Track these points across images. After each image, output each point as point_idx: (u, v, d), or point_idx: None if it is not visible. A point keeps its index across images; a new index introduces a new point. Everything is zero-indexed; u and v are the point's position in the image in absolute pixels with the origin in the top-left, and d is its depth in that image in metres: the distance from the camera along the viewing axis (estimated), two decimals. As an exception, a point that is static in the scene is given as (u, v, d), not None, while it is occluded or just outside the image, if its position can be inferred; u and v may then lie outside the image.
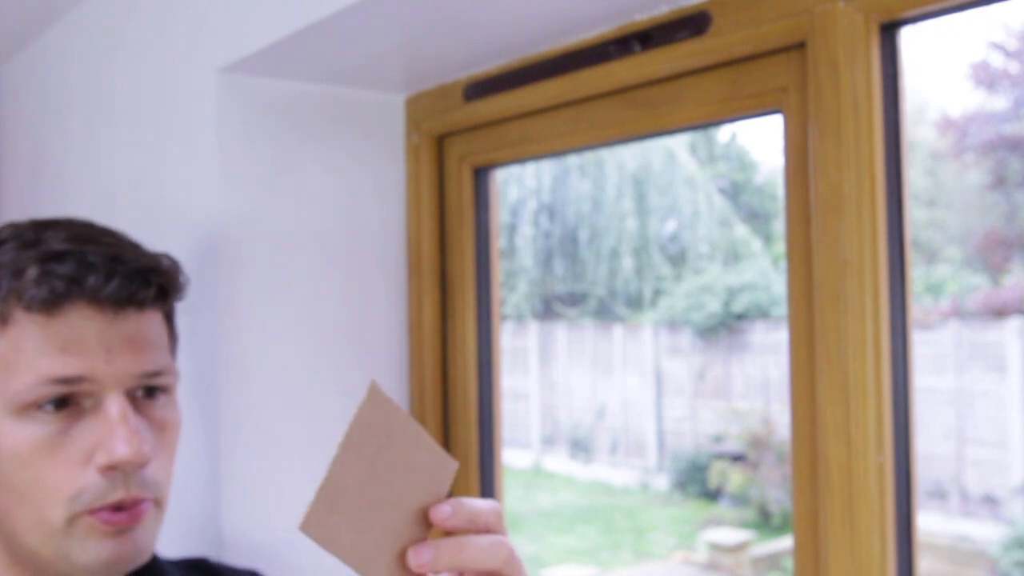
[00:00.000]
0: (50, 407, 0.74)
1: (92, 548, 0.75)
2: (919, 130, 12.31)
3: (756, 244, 12.63)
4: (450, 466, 0.62)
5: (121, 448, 0.74)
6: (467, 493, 1.28)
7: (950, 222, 11.68)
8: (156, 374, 0.80)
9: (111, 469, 0.74)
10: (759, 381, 9.83)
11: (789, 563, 7.02)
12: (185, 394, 1.24)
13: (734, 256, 12.49)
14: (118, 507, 0.75)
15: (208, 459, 1.18)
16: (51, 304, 0.73)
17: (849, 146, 0.82)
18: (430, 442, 0.61)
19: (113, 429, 0.74)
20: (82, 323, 0.74)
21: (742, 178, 13.95)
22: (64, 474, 0.74)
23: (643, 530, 8.59)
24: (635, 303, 12.54)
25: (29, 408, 0.73)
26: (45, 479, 0.74)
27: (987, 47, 10.04)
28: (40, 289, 0.73)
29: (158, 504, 0.80)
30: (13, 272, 0.73)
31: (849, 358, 0.82)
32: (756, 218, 13.43)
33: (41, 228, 0.77)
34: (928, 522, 7.64)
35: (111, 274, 0.75)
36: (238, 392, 1.17)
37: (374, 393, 0.58)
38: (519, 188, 12.14)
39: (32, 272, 0.73)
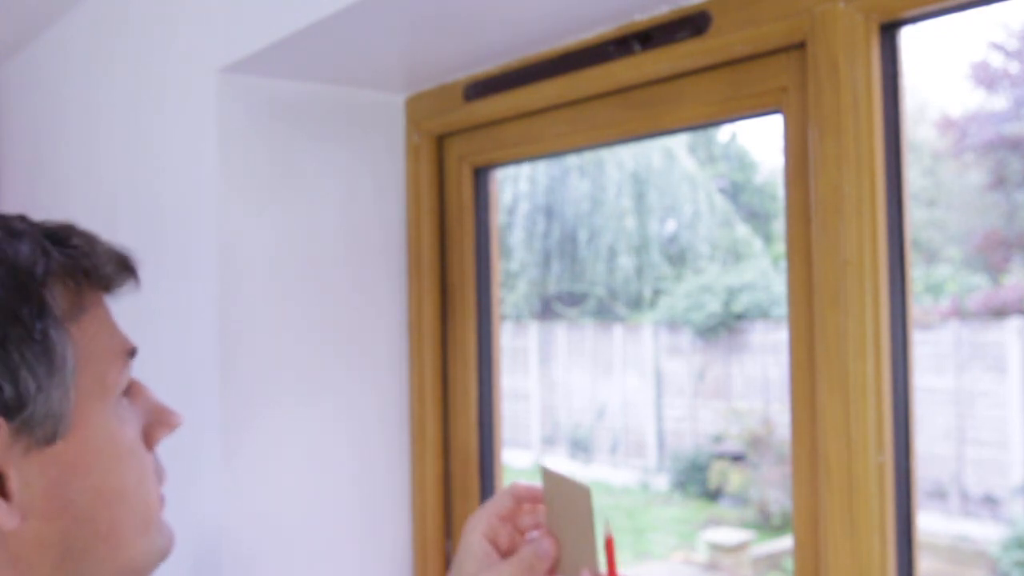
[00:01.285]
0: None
1: (166, 531, 0.71)
2: (919, 130, 12.31)
3: (756, 244, 12.63)
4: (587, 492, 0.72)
5: (177, 417, 0.72)
6: (467, 493, 1.28)
7: (950, 222, 11.67)
8: None
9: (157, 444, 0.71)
10: (759, 381, 9.83)
11: (789, 563, 7.02)
12: (184, 395, 1.24)
13: (734, 256, 12.48)
14: None
15: (212, 457, 1.18)
16: (109, 285, 0.69)
17: (849, 146, 0.82)
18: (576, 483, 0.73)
19: (158, 402, 0.71)
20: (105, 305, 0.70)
21: (742, 178, 13.94)
22: (149, 459, 0.70)
23: (643, 530, 8.59)
24: (635, 303, 12.53)
25: (119, 396, 0.67)
26: (145, 468, 0.68)
27: (987, 47, 10.04)
28: (106, 270, 0.68)
29: None
30: (84, 263, 0.66)
31: (849, 358, 0.82)
32: (756, 218, 13.43)
33: (34, 225, 0.70)
34: (928, 522, 7.63)
35: (119, 261, 0.70)
36: (238, 391, 1.17)
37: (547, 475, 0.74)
38: (518, 188, 12.13)
39: (102, 255, 0.68)
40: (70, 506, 0.63)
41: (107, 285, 0.68)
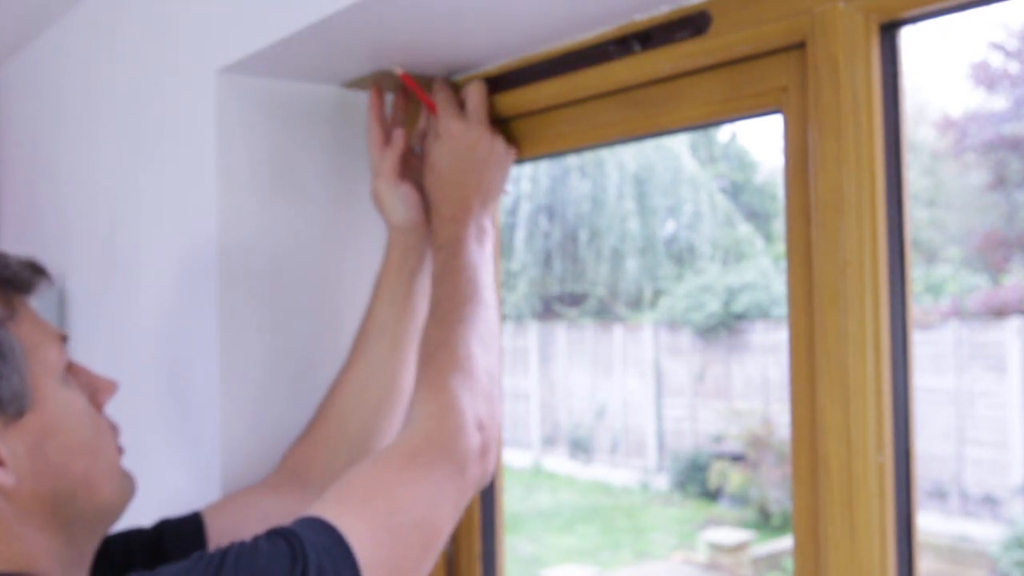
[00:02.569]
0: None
1: (128, 476, 0.90)
2: (919, 130, 12.31)
3: (756, 244, 12.63)
4: None
5: (113, 384, 0.90)
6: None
7: (950, 222, 11.67)
8: None
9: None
10: (759, 381, 9.83)
11: (789, 563, 7.02)
12: (184, 395, 1.24)
13: (734, 256, 12.49)
14: None
15: (198, 458, 1.18)
16: (28, 288, 0.85)
17: (849, 146, 0.82)
18: None
19: (96, 375, 0.89)
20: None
21: (742, 178, 13.95)
22: (102, 418, 0.88)
23: (643, 530, 8.59)
24: (635, 303, 12.54)
25: (65, 374, 0.85)
26: (101, 426, 0.87)
27: (987, 47, 10.04)
28: (22, 275, 0.84)
29: None
30: (4, 274, 0.83)
31: (849, 358, 0.82)
32: (756, 218, 13.43)
33: None
34: (928, 522, 7.63)
35: (31, 267, 0.87)
36: (238, 391, 1.17)
37: None
38: (520, 189, 12.13)
39: (15, 265, 0.84)
40: (49, 464, 0.81)
41: (26, 288, 0.84)
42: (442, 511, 0.85)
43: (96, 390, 0.88)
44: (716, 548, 7.36)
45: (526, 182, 12.14)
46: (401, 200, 1.13)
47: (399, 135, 1.14)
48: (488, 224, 1.10)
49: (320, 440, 1.13)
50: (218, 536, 1.01)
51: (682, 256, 12.56)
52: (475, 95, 1.12)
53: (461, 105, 1.13)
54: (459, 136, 1.09)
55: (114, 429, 0.89)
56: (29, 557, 0.79)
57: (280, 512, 1.03)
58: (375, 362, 1.13)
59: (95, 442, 0.85)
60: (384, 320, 1.13)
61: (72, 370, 0.87)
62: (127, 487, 0.89)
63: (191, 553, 0.78)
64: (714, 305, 10.33)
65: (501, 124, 1.20)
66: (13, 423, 0.78)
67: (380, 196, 1.14)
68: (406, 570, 0.80)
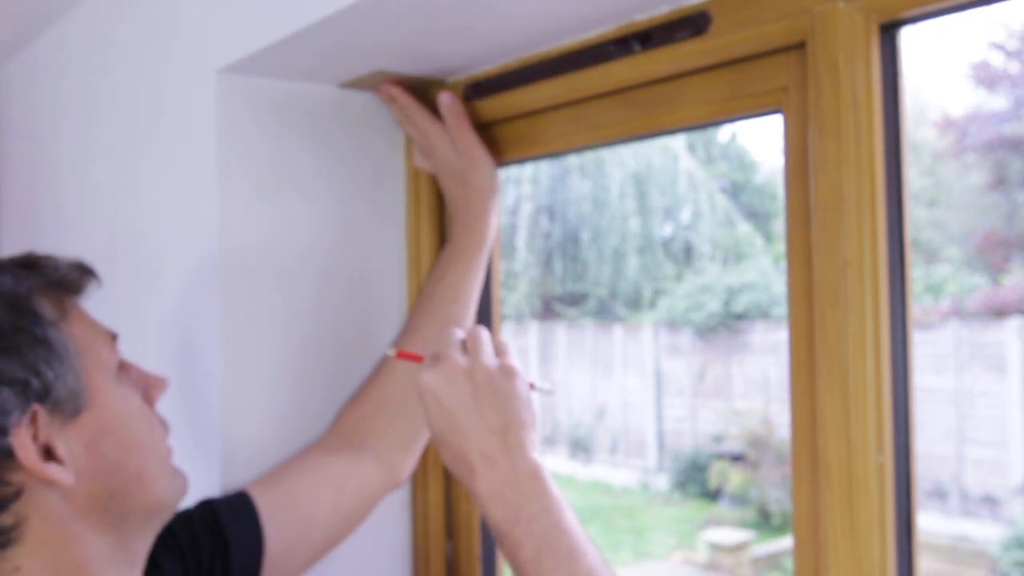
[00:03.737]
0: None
1: (180, 474, 0.90)
2: (919, 130, 12.30)
3: (756, 244, 12.63)
4: None
5: (164, 380, 0.91)
6: (468, 494, 1.28)
7: (950, 222, 11.67)
8: None
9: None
10: (759, 381, 9.83)
11: (789, 563, 7.02)
12: (185, 394, 1.24)
13: (734, 256, 12.48)
14: None
15: (199, 458, 1.18)
16: (78, 288, 0.86)
17: (849, 146, 0.82)
18: None
19: (147, 372, 0.90)
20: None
21: (742, 178, 13.94)
22: (154, 415, 0.89)
23: (643, 530, 8.59)
24: (635, 303, 12.54)
25: (117, 372, 0.85)
26: (153, 423, 0.87)
27: (987, 47, 10.04)
28: (71, 277, 0.86)
29: None
30: (54, 276, 0.84)
31: (849, 358, 0.82)
32: (756, 218, 13.42)
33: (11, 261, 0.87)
34: (928, 522, 7.63)
35: (79, 268, 0.88)
36: (238, 391, 1.17)
37: None
38: (521, 189, 12.14)
39: (64, 267, 0.86)
40: (104, 461, 0.81)
41: (76, 289, 0.86)
42: None
43: (148, 387, 0.89)
44: (716, 548, 7.36)
45: (527, 183, 12.14)
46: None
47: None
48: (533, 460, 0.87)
49: (376, 404, 1.16)
50: (271, 509, 1.04)
51: (682, 256, 12.56)
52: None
53: None
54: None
55: (164, 426, 0.89)
56: (82, 558, 0.79)
57: (337, 472, 1.09)
58: (435, 331, 1.12)
59: (148, 439, 0.85)
60: (456, 282, 1.15)
61: (124, 368, 0.87)
62: (179, 484, 0.89)
63: (250, 532, 0.77)
64: (714, 305, 10.33)
65: (502, 125, 1.20)
66: (70, 422, 0.79)
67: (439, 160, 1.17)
68: None
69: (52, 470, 0.76)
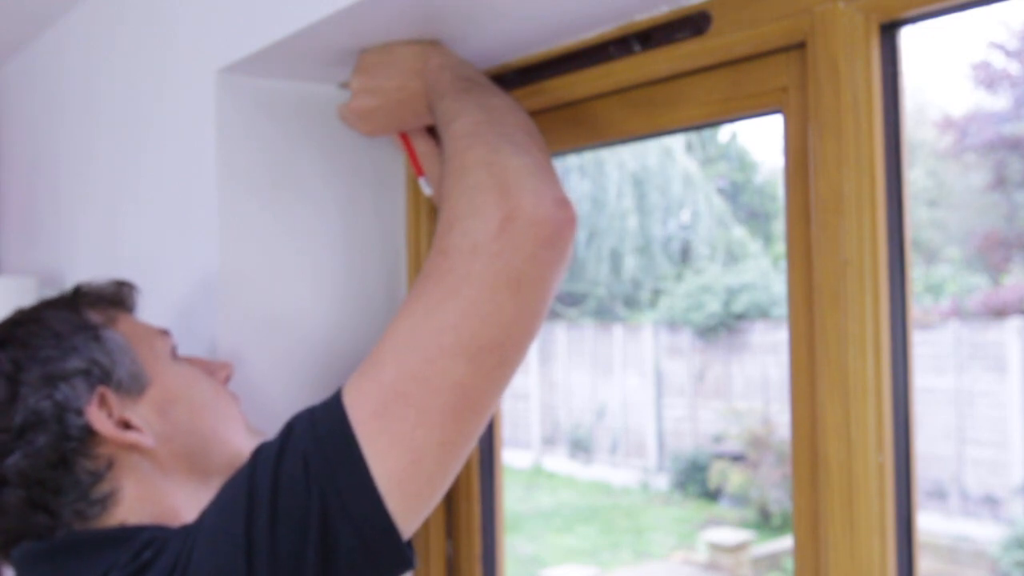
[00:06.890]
0: None
1: (259, 433, 1.00)
2: (919, 130, 12.30)
3: (756, 244, 12.63)
4: None
5: (227, 364, 1.05)
6: (468, 493, 1.28)
7: (950, 222, 11.67)
8: None
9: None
10: (759, 381, 9.82)
11: (789, 563, 7.02)
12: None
13: (734, 256, 12.48)
14: None
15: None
16: (119, 302, 1.01)
17: (849, 146, 0.82)
18: None
19: (205, 360, 1.05)
20: None
21: (742, 178, 13.95)
22: (221, 386, 1.02)
23: (643, 530, 8.59)
24: (635, 303, 12.54)
25: (176, 358, 0.99)
26: (220, 391, 1.00)
27: (987, 47, 10.04)
28: (107, 292, 1.01)
29: None
30: (97, 294, 0.99)
31: (849, 358, 0.82)
32: (756, 218, 13.43)
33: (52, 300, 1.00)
34: (928, 522, 7.63)
35: (116, 283, 1.04)
36: (238, 391, 1.17)
37: None
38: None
39: (103, 286, 1.01)
40: (179, 424, 0.94)
41: (117, 299, 1.00)
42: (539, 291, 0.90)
43: (212, 371, 1.02)
44: (716, 548, 7.36)
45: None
46: None
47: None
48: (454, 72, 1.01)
49: None
50: None
51: (682, 256, 12.57)
52: None
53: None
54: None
55: (235, 397, 1.02)
56: (176, 509, 0.91)
57: None
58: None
59: (216, 402, 0.98)
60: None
61: (182, 359, 1.00)
62: (259, 439, 0.93)
63: None
64: (714, 305, 10.33)
65: (501, 124, 1.20)
66: (139, 398, 0.92)
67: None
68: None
69: (131, 435, 0.89)
